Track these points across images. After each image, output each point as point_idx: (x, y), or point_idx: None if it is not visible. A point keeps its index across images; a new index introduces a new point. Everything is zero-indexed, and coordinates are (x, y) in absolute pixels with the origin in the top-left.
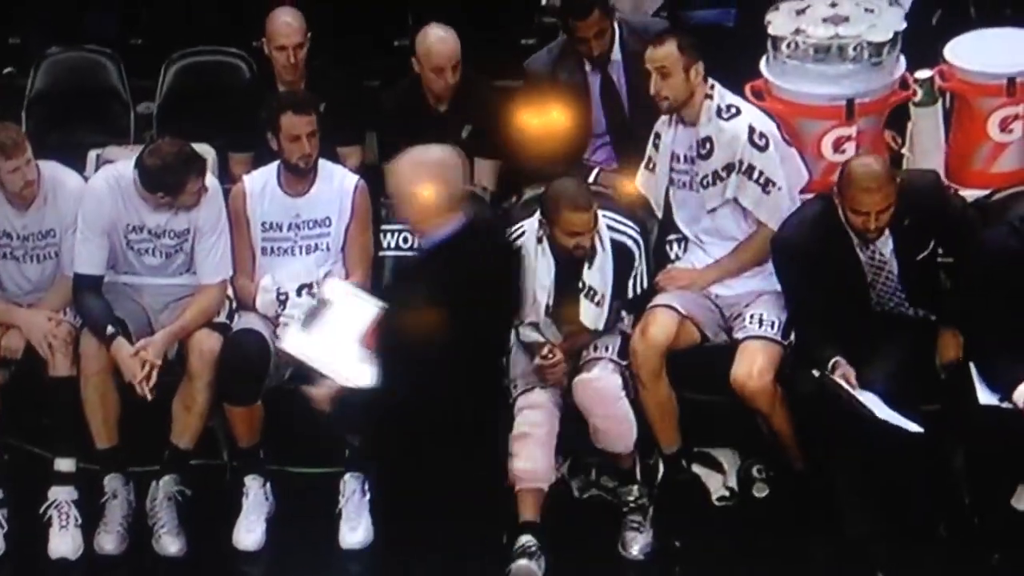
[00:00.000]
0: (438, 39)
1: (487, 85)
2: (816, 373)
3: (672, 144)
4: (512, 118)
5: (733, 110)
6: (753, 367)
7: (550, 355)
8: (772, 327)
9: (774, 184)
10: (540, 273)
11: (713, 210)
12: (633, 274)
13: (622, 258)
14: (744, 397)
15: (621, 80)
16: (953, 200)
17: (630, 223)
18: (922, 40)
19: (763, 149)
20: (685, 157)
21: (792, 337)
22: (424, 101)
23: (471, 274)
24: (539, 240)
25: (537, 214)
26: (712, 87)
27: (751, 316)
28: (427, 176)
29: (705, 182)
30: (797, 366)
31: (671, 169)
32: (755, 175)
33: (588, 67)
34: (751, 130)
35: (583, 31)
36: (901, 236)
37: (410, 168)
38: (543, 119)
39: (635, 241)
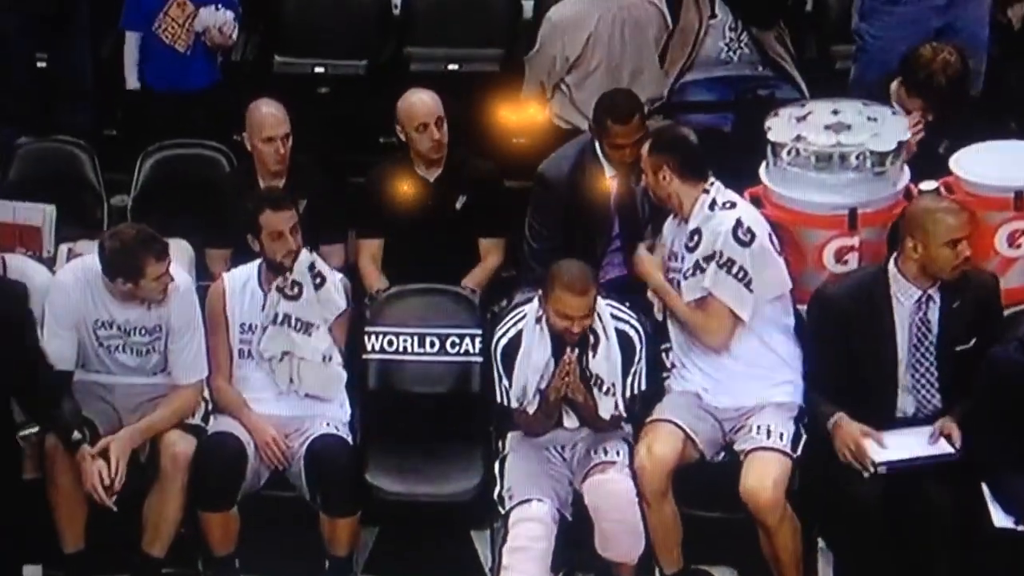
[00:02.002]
0: (417, 97)
1: (482, 159)
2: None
3: (671, 242)
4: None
5: (728, 205)
6: (766, 478)
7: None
8: (781, 438)
9: (753, 283)
10: (534, 355)
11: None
12: (633, 370)
13: (625, 348)
14: (755, 510)
15: (638, 184)
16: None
17: (633, 314)
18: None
19: (746, 245)
20: (678, 255)
21: (800, 451)
22: (413, 171)
23: None
24: (537, 320)
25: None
26: (711, 184)
27: (757, 427)
28: None
29: (687, 274)
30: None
31: (668, 268)
32: (735, 270)
33: (608, 172)
34: (738, 223)
35: (622, 137)
36: (947, 315)
37: None
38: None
39: (638, 333)
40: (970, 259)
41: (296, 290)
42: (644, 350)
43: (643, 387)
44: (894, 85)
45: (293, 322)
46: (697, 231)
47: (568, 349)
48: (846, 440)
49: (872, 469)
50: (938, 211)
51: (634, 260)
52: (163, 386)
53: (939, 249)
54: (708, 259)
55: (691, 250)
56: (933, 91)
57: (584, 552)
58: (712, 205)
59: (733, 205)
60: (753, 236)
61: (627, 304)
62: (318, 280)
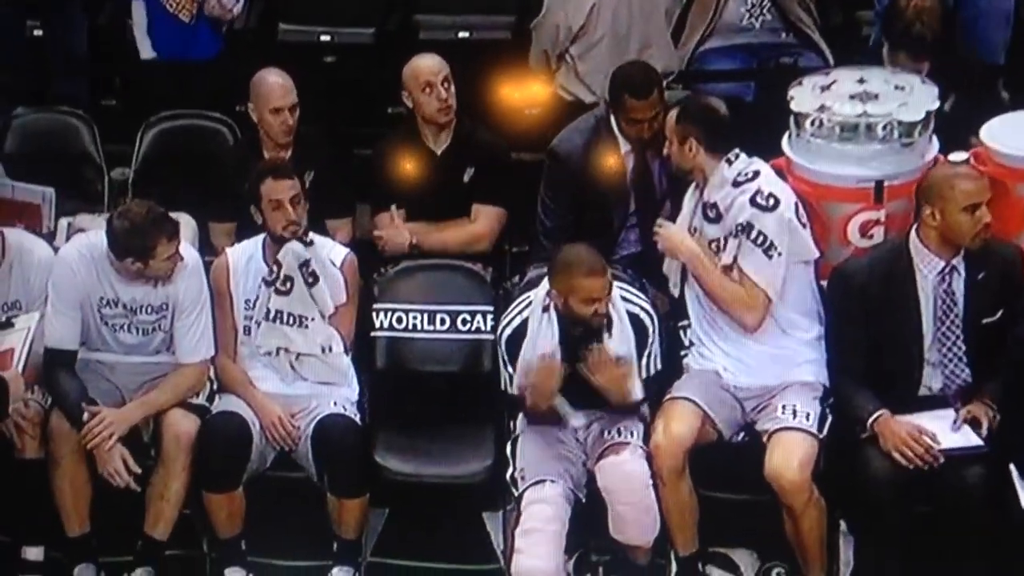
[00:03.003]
0: (421, 59)
1: (490, 131)
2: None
3: (690, 215)
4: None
5: (750, 174)
6: (791, 459)
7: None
8: (807, 418)
9: (776, 248)
10: (540, 344)
11: None
12: (647, 352)
13: (638, 330)
14: (780, 492)
15: (655, 159)
16: None
17: (643, 296)
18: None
19: (766, 210)
20: (698, 230)
21: (825, 431)
22: (421, 143)
23: None
24: (544, 309)
25: (544, 283)
26: (736, 155)
27: (782, 406)
28: None
29: (714, 247)
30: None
31: None
32: (754, 234)
33: (624, 147)
34: (758, 191)
35: (640, 112)
36: (972, 286)
37: None
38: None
39: (649, 315)
40: (990, 226)
41: (288, 285)
42: (657, 330)
43: (659, 367)
44: (884, 50)
45: (285, 317)
46: (715, 205)
47: (598, 337)
48: (904, 439)
49: (942, 460)
50: (955, 177)
51: (662, 236)
52: (168, 365)
53: (958, 215)
54: (729, 235)
55: (711, 222)
56: (914, 41)
57: (598, 534)
58: (735, 179)
59: (755, 175)
60: (775, 200)
61: (642, 281)
62: (311, 280)
